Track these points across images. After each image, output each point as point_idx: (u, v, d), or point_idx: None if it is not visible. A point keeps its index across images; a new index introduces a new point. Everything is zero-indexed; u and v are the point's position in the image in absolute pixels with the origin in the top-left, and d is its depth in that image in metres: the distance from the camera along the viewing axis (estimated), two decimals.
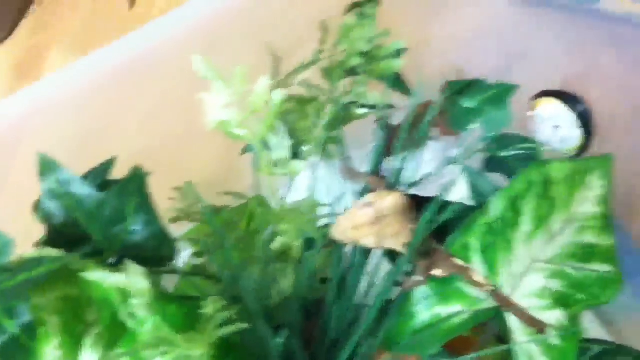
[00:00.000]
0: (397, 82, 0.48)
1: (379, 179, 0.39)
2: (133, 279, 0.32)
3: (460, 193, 0.42)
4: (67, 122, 0.55)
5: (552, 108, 0.52)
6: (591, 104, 0.53)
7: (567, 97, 0.51)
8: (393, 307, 0.43)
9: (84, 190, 0.38)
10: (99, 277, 0.31)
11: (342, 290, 0.43)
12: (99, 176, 0.41)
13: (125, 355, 0.32)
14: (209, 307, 0.32)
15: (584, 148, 0.52)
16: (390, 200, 0.34)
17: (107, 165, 0.43)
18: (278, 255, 0.41)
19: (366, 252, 0.41)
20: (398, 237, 0.35)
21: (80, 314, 0.33)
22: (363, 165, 0.46)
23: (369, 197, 0.35)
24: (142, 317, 0.32)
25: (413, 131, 0.47)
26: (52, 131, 0.55)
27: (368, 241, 0.35)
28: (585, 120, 0.52)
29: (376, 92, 0.42)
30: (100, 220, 0.37)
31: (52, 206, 0.38)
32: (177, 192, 0.40)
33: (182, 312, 0.34)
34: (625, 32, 0.52)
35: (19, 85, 0.88)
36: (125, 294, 0.32)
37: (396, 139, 0.44)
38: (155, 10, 0.86)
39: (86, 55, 0.54)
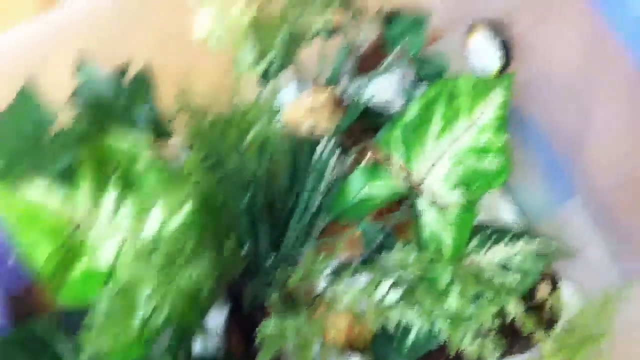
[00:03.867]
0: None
1: (322, 86, 0.52)
2: (137, 146, 0.45)
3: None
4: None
5: (480, 37, 0.64)
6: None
7: (493, 25, 0.62)
8: (335, 187, 0.57)
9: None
10: (114, 142, 0.45)
11: (296, 175, 0.56)
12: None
13: (134, 199, 0.46)
14: (190, 165, 0.45)
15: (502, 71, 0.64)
16: (323, 96, 0.47)
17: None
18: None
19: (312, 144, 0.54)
20: (328, 123, 0.48)
21: (103, 167, 0.47)
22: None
23: (309, 92, 0.48)
24: (145, 172, 0.47)
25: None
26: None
27: (305, 125, 0.48)
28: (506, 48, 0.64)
29: (327, 16, 0.54)
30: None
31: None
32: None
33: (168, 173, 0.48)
34: None
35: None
36: (132, 157, 0.46)
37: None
38: None
39: None
